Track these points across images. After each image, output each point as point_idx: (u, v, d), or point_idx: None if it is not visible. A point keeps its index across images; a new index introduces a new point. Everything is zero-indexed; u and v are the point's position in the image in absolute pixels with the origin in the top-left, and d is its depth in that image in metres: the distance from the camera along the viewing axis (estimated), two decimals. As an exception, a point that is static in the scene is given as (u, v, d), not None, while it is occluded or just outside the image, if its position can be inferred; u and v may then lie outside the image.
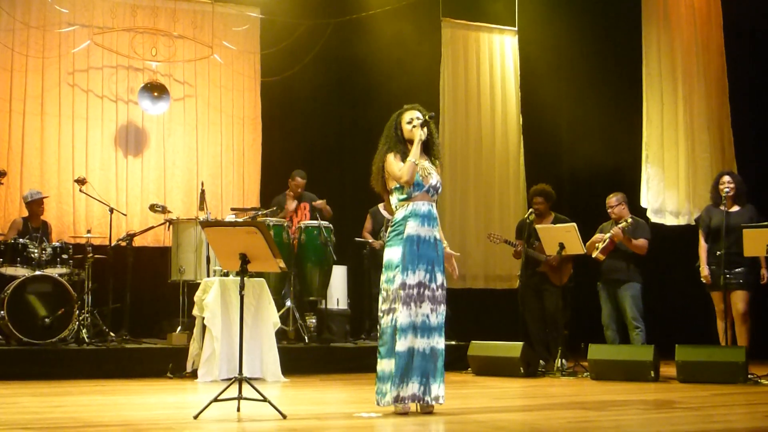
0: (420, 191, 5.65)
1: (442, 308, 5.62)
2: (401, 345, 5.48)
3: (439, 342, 5.58)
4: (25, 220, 9.16)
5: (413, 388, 5.49)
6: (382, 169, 5.75)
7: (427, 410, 5.57)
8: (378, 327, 5.74)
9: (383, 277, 5.68)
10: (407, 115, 5.77)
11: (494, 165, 12.06)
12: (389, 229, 5.74)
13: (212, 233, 5.83)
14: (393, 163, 5.66)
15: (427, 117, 5.77)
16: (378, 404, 5.59)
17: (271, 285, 8.53)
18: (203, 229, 6.11)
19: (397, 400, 5.49)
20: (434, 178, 5.71)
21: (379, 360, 5.62)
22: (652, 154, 11.24)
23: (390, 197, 5.79)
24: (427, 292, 5.56)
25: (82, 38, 10.45)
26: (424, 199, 5.66)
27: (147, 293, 9.86)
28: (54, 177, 10.18)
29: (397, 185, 5.67)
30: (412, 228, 5.59)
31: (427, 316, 5.54)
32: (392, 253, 5.63)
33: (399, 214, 5.68)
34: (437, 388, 5.56)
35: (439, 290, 5.62)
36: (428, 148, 5.84)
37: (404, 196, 5.67)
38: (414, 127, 5.70)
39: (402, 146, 5.71)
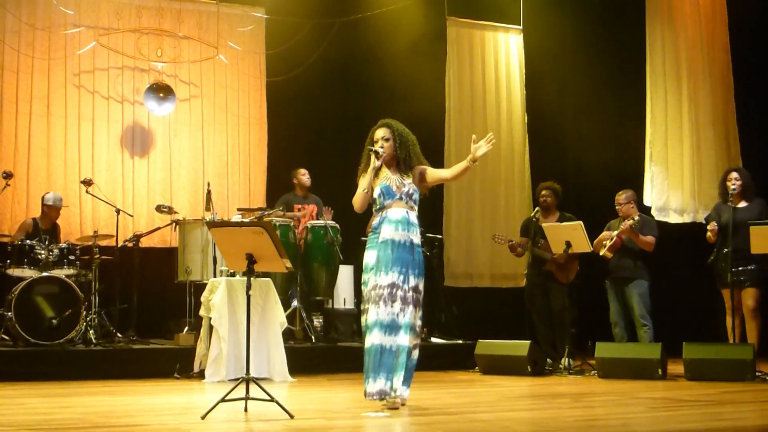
0: (393, 199, 5.92)
1: (411, 309, 5.80)
2: (368, 342, 5.77)
3: (405, 339, 5.75)
4: (35, 220, 9.17)
5: (380, 384, 5.72)
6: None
7: (393, 407, 5.70)
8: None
9: (362, 280, 5.94)
10: (376, 133, 6.04)
11: (500, 163, 12.04)
12: (369, 235, 6.02)
13: (219, 233, 5.83)
14: (359, 186, 5.96)
15: (370, 151, 5.96)
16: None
17: (278, 285, 8.54)
18: (210, 229, 6.12)
19: (370, 396, 5.74)
20: (407, 187, 5.95)
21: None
22: (655, 153, 11.23)
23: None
24: (399, 293, 5.79)
25: (87, 39, 10.46)
26: (398, 206, 5.92)
27: (154, 294, 9.88)
28: (60, 178, 10.20)
29: (374, 195, 5.96)
30: (387, 233, 5.87)
31: (396, 315, 5.76)
32: (369, 257, 5.90)
33: (375, 222, 5.98)
34: (398, 382, 5.74)
35: (411, 292, 5.81)
36: (399, 165, 6.03)
37: (378, 206, 5.98)
38: (370, 151, 5.94)
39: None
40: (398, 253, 5.82)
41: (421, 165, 6.07)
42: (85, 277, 8.81)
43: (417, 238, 5.94)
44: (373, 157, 5.91)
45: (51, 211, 9.18)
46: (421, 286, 5.91)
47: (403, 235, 5.87)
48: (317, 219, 9.73)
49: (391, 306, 5.76)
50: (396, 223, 5.88)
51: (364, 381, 5.83)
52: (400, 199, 5.92)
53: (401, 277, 5.79)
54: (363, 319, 5.89)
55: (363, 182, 5.92)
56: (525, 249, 9.26)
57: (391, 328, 5.75)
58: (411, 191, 5.95)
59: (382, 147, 5.95)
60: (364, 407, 5.90)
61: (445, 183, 6.24)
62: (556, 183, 9.51)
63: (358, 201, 5.94)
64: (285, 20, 11.29)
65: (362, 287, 5.93)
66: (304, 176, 10.01)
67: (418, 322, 5.89)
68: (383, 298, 5.76)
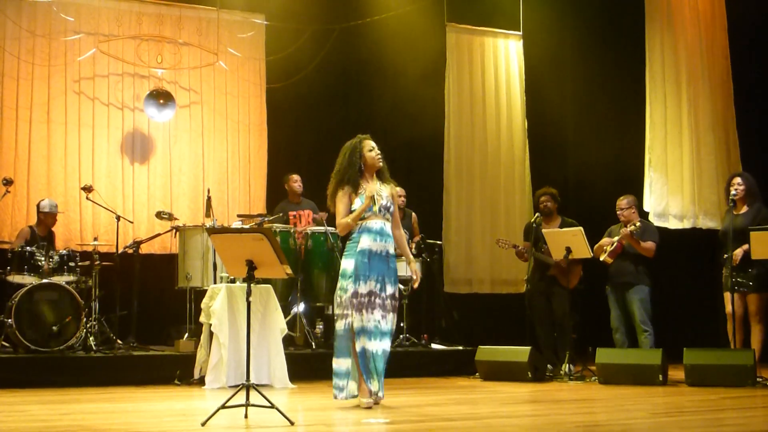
0: (370, 212, 6.32)
1: (391, 316, 6.27)
2: (358, 346, 6.16)
3: (388, 345, 6.27)
4: (32, 228, 9.17)
5: (375, 385, 6.18)
6: (334, 196, 6.45)
7: (371, 405, 6.16)
8: (333, 330, 6.34)
9: (338, 285, 6.33)
10: (369, 143, 6.47)
11: (500, 169, 12.04)
12: (346, 243, 6.40)
13: (219, 240, 5.84)
14: (339, 205, 6.37)
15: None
16: (335, 398, 6.30)
17: (278, 291, 8.53)
18: (210, 235, 6.13)
19: (374, 394, 6.17)
20: (384, 200, 6.37)
21: (334, 359, 6.32)
22: (654, 158, 11.21)
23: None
24: (378, 300, 6.21)
25: (87, 46, 10.47)
26: (376, 218, 6.32)
27: (154, 300, 9.87)
28: (60, 185, 10.20)
29: (352, 207, 6.34)
30: (365, 243, 6.26)
31: (378, 322, 6.19)
32: (347, 265, 6.28)
33: (354, 231, 6.34)
34: (379, 384, 6.23)
35: (389, 300, 6.26)
36: (381, 175, 6.51)
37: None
38: (375, 157, 6.41)
39: (357, 176, 6.38)
40: (374, 262, 6.23)
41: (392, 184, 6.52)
42: (85, 283, 8.81)
43: (392, 248, 6.37)
44: (368, 202, 6.27)
45: (47, 217, 9.17)
46: (397, 293, 6.37)
47: (380, 246, 6.28)
48: (313, 222, 9.72)
49: (372, 313, 6.17)
50: (375, 234, 6.28)
51: (340, 380, 6.30)
52: (379, 212, 6.33)
53: (378, 285, 6.21)
54: (342, 322, 6.23)
55: (351, 216, 6.28)
56: (530, 254, 9.25)
57: (375, 334, 6.16)
58: (389, 205, 6.38)
59: (378, 154, 6.43)
60: (364, 413, 5.90)
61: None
62: (552, 188, 9.52)
63: (343, 229, 6.35)
64: (285, 27, 11.30)
65: (339, 292, 6.29)
66: (295, 183, 9.99)
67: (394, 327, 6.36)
68: (364, 305, 6.17)
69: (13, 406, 6.47)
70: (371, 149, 6.43)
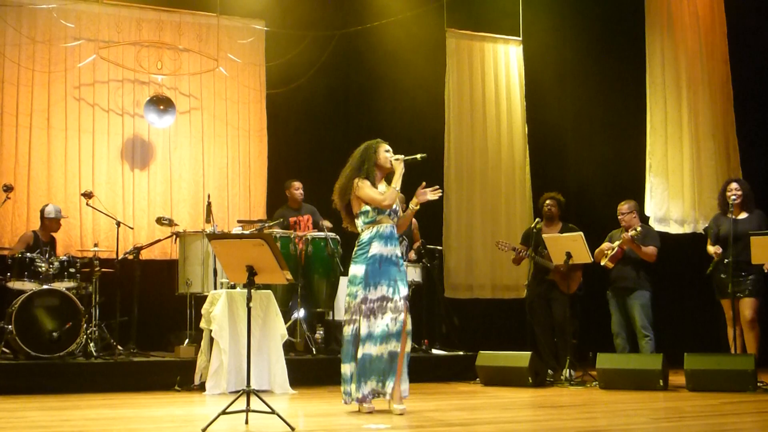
0: (383, 214, 6.34)
1: (402, 316, 6.18)
2: (361, 352, 6.17)
3: (396, 346, 6.16)
4: (35, 233, 9.16)
5: (371, 385, 6.15)
6: (347, 191, 6.40)
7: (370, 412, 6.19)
8: (341, 335, 6.36)
9: (347, 291, 6.35)
10: (386, 146, 6.48)
11: (500, 174, 12.04)
12: (356, 247, 6.37)
13: (219, 245, 5.84)
14: (368, 189, 6.31)
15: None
16: (345, 403, 6.29)
17: (279, 297, 8.53)
18: (210, 241, 6.15)
19: (362, 400, 6.17)
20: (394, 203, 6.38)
21: (342, 364, 6.32)
22: (655, 163, 11.24)
23: (356, 219, 6.43)
24: (390, 304, 6.19)
25: (87, 52, 10.48)
26: (387, 221, 6.34)
27: (154, 306, 9.85)
28: (61, 191, 10.20)
29: (364, 209, 6.32)
30: (376, 248, 6.26)
31: (387, 325, 6.14)
32: (356, 270, 6.27)
33: (365, 236, 6.32)
34: (390, 385, 6.15)
35: (401, 301, 6.21)
36: (389, 178, 6.50)
37: (370, 219, 6.33)
38: (396, 159, 6.40)
39: (374, 172, 6.38)
40: (385, 267, 6.23)
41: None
42: (86, 289, 8.80)
43: (399, 251, 6.38)
44: (401, 162, 6.34)
45: (52, 223, 9.17)
46: (409, 294, 6.37)
47: (390, 250, 6.29)
48: (313, 227, 9.72)
49: (382, 318, 6.15)
50: (386, 239, 6.28)
51: (347, 385, 6.25)
52: (388, 215, 6.34)
53: (390, 290, 6.20)
54: (349, 327, 6.25)
55: (394, 182, 6.32)
56: (527, 255, 9.26)
57: (382, 337, 6.12)
58: (396, 207, 6.39)
59: (392, 159, 6.42)
60: (365, 419, 5.90)
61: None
62: (559, 194, 9.53)
63: (390, 197, 6.27)
64: (285, 32, 11.31)
65: (348, 298, 6.31)
66: (297, 191, 9.97)
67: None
68: (373, 311, 6.17)
69: (14, 413, 6.47)
70: (387, 150, 6.44)
